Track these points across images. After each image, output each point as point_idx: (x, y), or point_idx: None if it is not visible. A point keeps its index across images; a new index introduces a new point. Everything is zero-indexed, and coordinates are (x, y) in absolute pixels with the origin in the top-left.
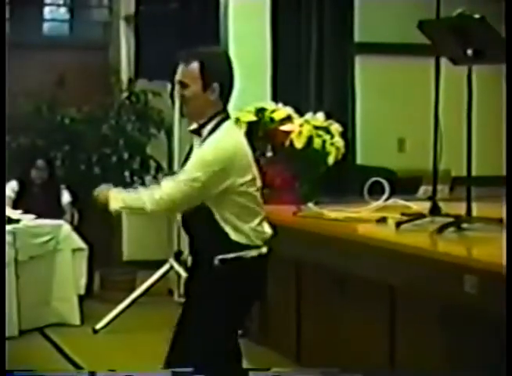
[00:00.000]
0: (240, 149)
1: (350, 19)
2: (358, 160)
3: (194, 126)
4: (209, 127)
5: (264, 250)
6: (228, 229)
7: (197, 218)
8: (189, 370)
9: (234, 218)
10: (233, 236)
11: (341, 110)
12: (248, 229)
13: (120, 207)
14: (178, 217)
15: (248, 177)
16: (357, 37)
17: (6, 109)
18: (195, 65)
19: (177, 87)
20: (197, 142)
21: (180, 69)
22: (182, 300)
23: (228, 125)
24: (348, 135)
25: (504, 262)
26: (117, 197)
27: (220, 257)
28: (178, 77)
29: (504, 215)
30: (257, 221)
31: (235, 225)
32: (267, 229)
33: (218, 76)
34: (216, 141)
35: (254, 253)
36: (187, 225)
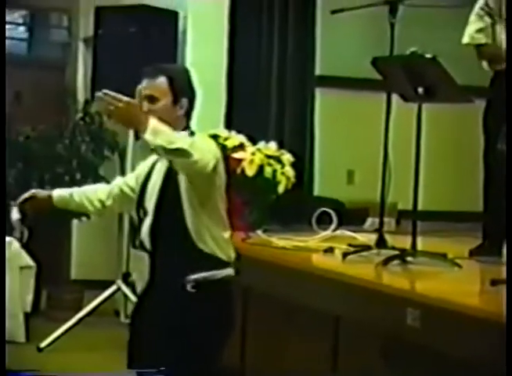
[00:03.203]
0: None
1: (312, 52)
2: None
3: None
4: None
5: (233, 270)
6: (201, 242)
7: (167, 231)
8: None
9: (212, 225)
10: (207, 249)
11: (299, 140)
12: (224, 239)
13: (162, 145)
14: (145, 230)
15: (224, 182)
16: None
17: None
18: (163, 79)
19: (144, 102)
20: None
21: (146, 83)
22: (129, 321)
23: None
24: (305, 166)
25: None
26: (160, 130)
27: (193, 278)
28: (145, 91)
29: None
30: (228, 234)
31: (212, 234)
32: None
33: (186, 91)
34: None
35: (228, 272)
36: (154, 238)
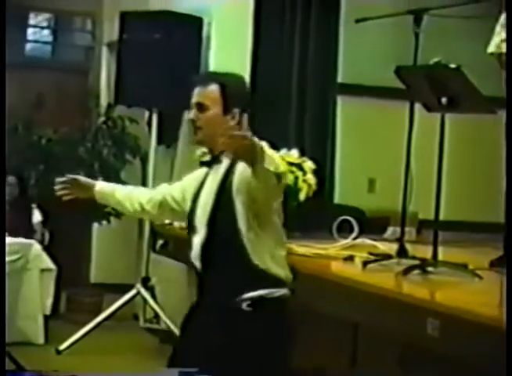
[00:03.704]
0: None
1: (334, 60)
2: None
3: (208, 157)
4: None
5: (288, 291)
6: (258, 259)
7: (221, 248)
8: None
9: (270, 242)
10: (264, 266)
11: (321, 148)
12: (282, 257)
13: (274, 171)
14: (196, 249)
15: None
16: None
17: None
18: (214, 87)
19: (193, 110)
20: (216, 171)
21: (197, 91)
22: (147, 325)
23: None
24: (327, 174)
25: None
26: (270, 156)
27: (249, 296)
28: (195, 99)
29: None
30: (285, 251)
31: (269, 251)
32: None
33: (239, 101)
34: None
35: (284, 291)
36: (205, 257)
